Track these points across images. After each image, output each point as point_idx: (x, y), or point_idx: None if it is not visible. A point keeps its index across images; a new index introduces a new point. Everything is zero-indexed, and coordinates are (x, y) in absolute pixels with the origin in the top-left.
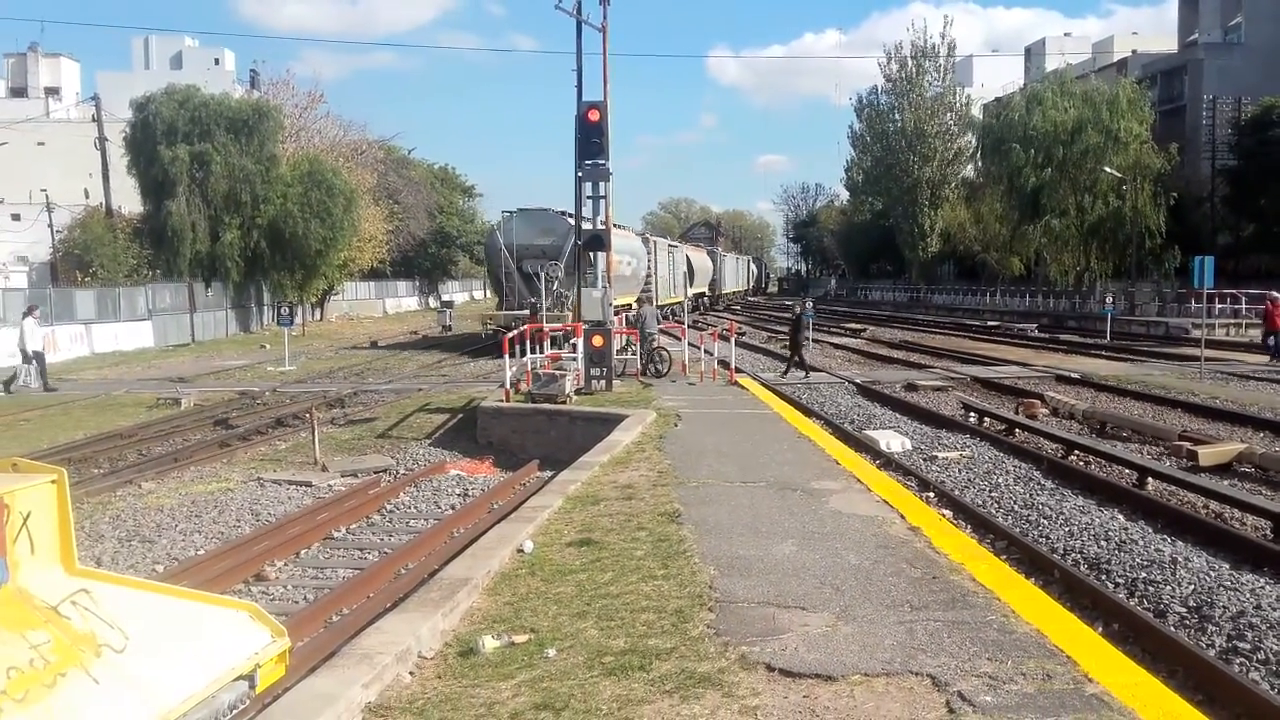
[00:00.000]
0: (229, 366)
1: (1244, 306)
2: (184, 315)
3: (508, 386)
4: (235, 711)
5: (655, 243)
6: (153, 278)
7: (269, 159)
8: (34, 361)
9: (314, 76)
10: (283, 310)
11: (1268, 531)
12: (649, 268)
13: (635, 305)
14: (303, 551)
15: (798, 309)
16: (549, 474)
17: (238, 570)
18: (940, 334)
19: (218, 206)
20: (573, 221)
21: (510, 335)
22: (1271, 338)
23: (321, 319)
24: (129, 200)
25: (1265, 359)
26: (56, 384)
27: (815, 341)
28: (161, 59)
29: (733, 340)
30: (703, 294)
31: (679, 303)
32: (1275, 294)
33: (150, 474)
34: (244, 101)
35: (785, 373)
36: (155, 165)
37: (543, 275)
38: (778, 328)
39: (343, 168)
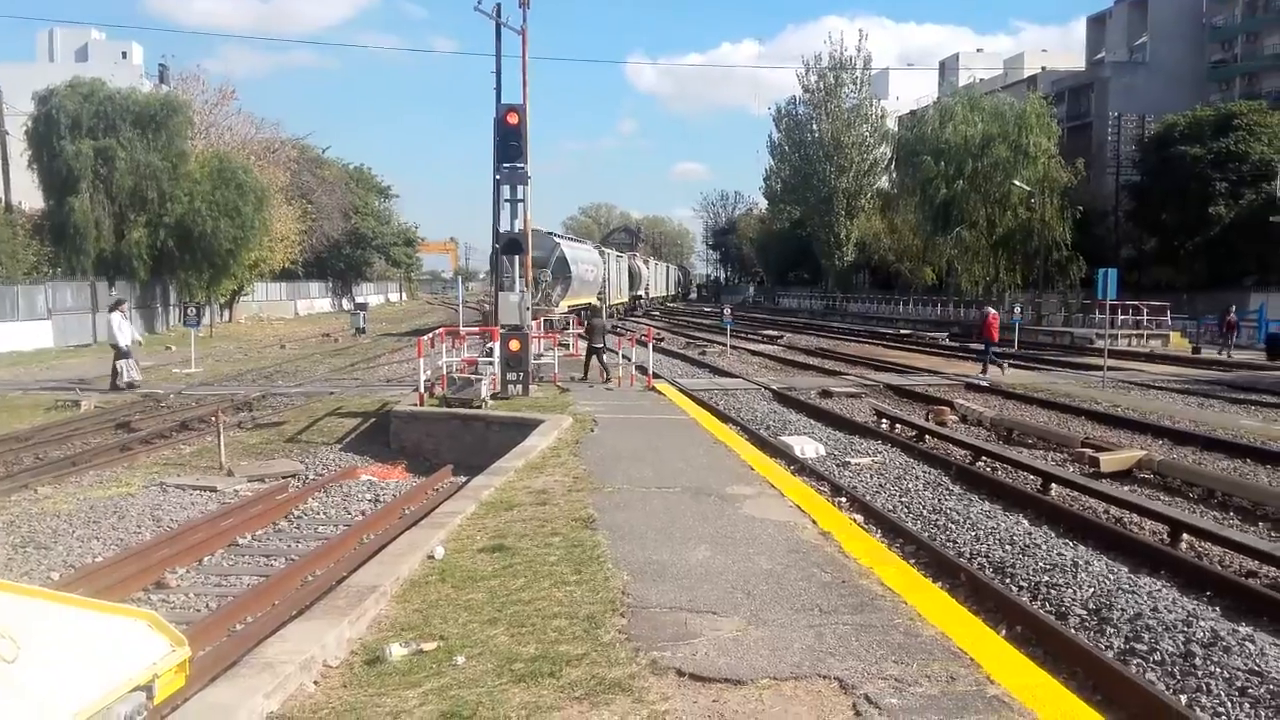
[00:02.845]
0: None
1: (1145, 318)
2: (86, 315)
3: (422, 390)
4: None
5: (608, 254)
6: (54, 276)
7: (177, 155)
8: (126, 355)
9: (226, 73)
10: (189, 311)
11: (1165, 536)
12: (604, 274)
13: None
14: (206, 558)
15: (590, 313)
16: (463, 479)
17: (137, 578)
18: (855, 342)
19: (123, 203)
20: (557, 239)
21: (425, 338)
22: (988, 351)
23: (230, 320)
24: (30, 196)
25: (1165, 368)
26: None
27: (733, 348)
28: (66, 51)
29: (650, 346)
30: (639, 297)
31: (624, 303)
32: (990, 308)
33: (47, 478)
34: (152, 96)
35: (602, 379)
36: (58, 160)
37: (535, 279)
38: (696, 334)
39: (254, 166)
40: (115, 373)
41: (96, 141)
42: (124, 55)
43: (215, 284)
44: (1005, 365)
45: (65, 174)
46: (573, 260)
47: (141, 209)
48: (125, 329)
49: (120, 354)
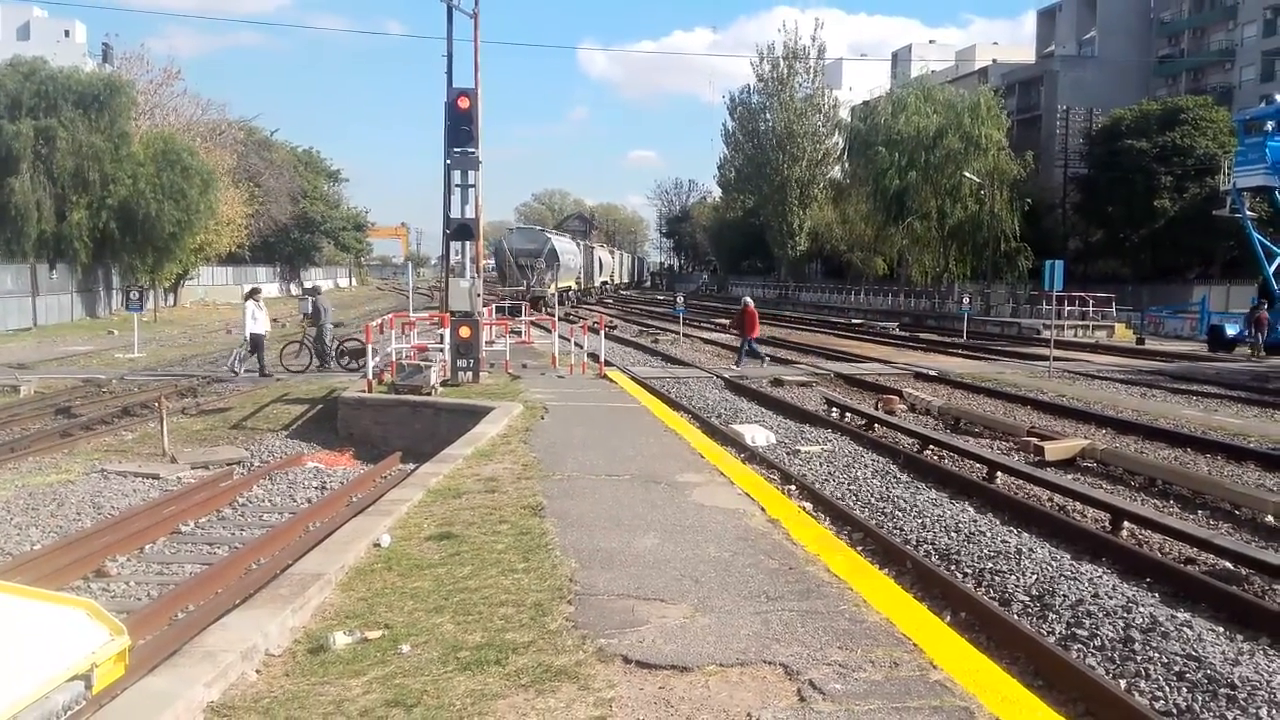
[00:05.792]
0: (74, 353)
1: (1091, 309)
2: (26, 298)
3: (370, 377)
4: (70, 713)
5: (582, 244)
6: None
7: (120, 136)
8: (250, 345)
9: (171, 53)
10: (132, 294)
11: (1107, 523)
12: (581, 262)
13: (308, 296)
14: (147, 546)
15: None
16: (411, 467)
17: (76, 566)
18: (807, 331)
19: (64, 185)
20: (550, 235)
21: (374, 324)
22: (746, 344)
23: (175, 304)
24: None
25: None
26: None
27: (686, 336)
28: (7, 29)
29: (602, 333)
30: (605, 282)
31: (594, 287)
32: (748, 299)
33: None
34: (94, 76)
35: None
36: None
37: (530, 267)
38: (650, 321)
39: (200, 148)
40: (260, 360)
41: (37, 121)
42: (66, 34)
43: (159, 267)
44: (743, 361)
45: (5, 154)
46: (561, 251)
47: (83, 190)
48: (260, 317)
49: (254, 343)
